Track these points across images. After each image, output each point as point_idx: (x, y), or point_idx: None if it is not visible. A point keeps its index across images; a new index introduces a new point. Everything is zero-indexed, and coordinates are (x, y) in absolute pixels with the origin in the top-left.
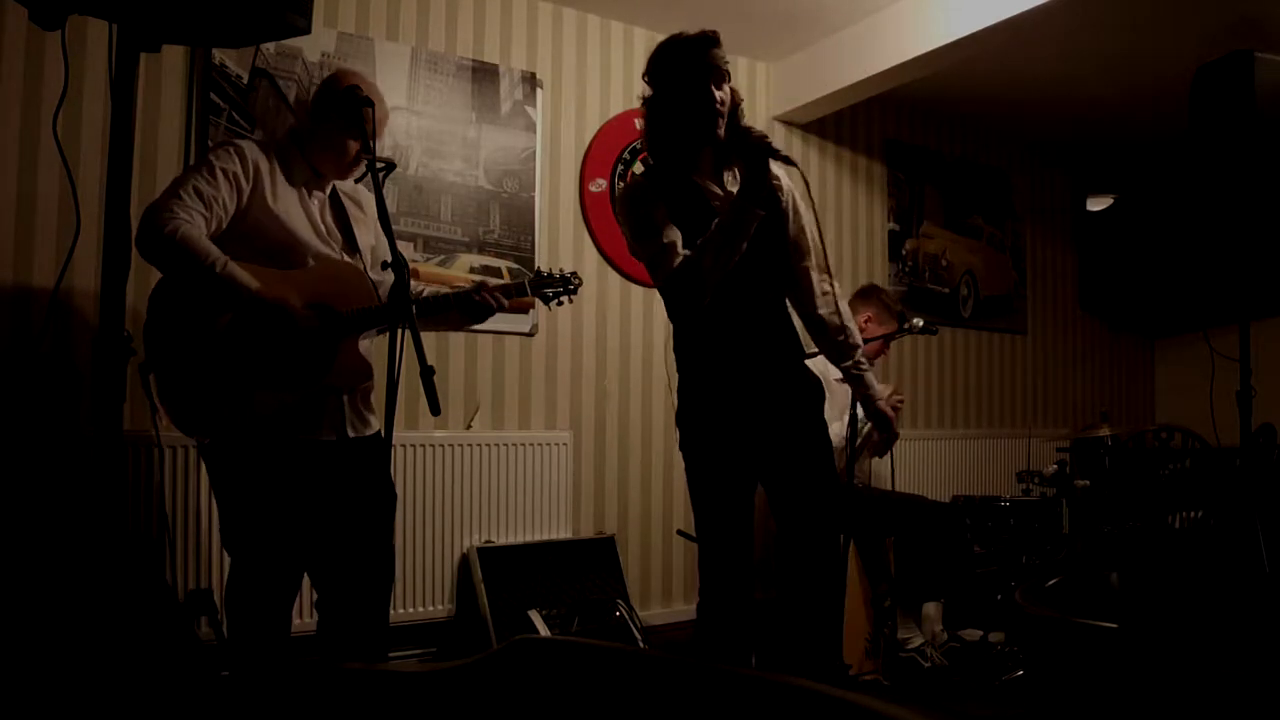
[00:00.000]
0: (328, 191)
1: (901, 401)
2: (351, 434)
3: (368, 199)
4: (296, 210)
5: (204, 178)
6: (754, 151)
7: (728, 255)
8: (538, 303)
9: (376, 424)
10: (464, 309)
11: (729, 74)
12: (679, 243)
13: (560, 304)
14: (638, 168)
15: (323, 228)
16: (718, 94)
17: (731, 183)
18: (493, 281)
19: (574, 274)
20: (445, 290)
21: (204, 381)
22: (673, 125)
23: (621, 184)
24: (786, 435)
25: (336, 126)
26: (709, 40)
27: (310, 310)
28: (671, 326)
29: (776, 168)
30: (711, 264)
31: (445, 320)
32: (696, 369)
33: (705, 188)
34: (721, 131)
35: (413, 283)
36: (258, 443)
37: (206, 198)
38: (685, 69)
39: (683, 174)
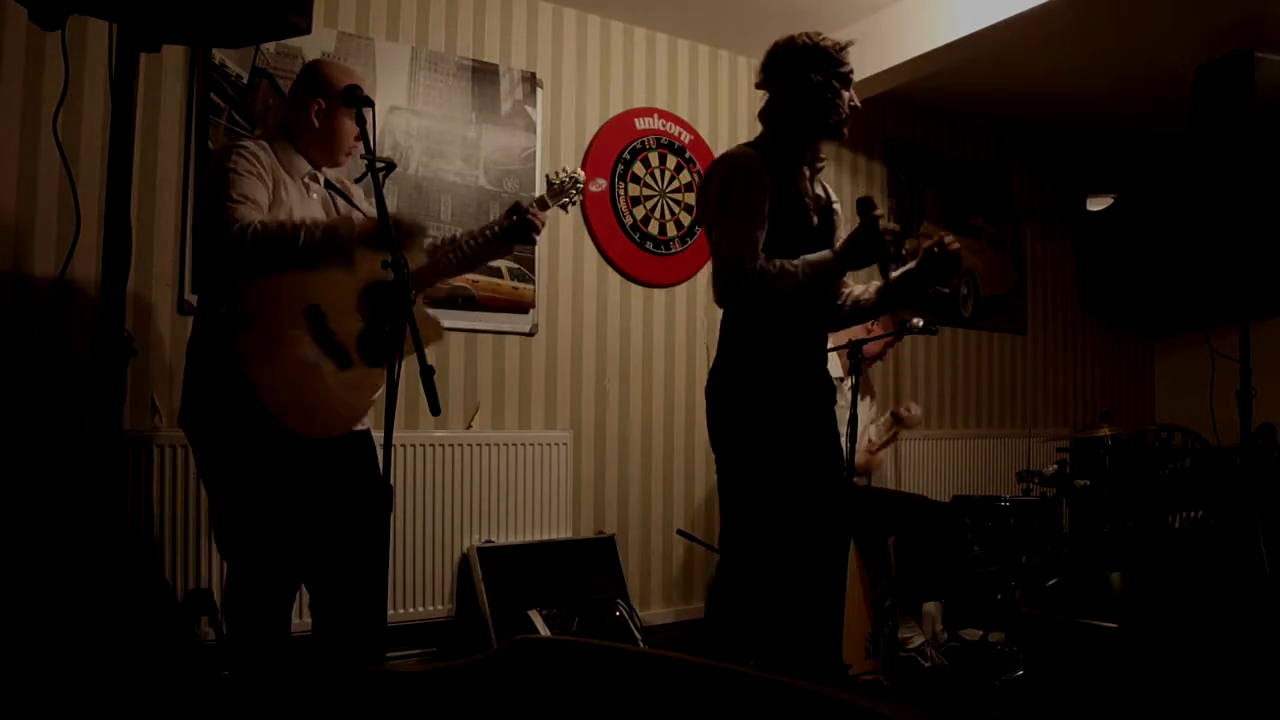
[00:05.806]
0: (323, 184)
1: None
2: (356, 427)
3: (355, 187)
4: (303, 208)
5: (240, 177)
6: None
7: (802, 293)
8: (538, 302)
9: (370, 420)
10: (514, 235)
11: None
12: (761, 242)
13: (575, 204)
14: (639, 168)
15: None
16: (847, 95)
17: (819, 188)
18: (525, 198)
19: (577, 170)
20: (487, 230)
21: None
22: (801, 118)
23: (621, 184)
24: (830, 441)
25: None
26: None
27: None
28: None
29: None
30: (787, 292)
31: (497, 251)
32: (771, 365)
33: (802, 188)
34: (846, 132)
35: (437, 234)
36: (262, 436)
37: (251, 196)
38: (827, 73)
39: (791, 165)
